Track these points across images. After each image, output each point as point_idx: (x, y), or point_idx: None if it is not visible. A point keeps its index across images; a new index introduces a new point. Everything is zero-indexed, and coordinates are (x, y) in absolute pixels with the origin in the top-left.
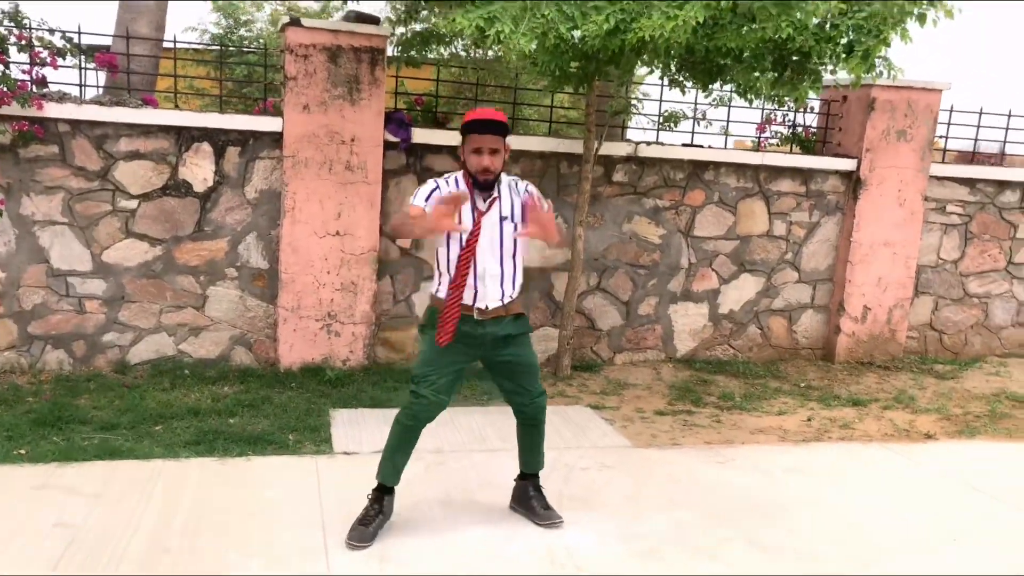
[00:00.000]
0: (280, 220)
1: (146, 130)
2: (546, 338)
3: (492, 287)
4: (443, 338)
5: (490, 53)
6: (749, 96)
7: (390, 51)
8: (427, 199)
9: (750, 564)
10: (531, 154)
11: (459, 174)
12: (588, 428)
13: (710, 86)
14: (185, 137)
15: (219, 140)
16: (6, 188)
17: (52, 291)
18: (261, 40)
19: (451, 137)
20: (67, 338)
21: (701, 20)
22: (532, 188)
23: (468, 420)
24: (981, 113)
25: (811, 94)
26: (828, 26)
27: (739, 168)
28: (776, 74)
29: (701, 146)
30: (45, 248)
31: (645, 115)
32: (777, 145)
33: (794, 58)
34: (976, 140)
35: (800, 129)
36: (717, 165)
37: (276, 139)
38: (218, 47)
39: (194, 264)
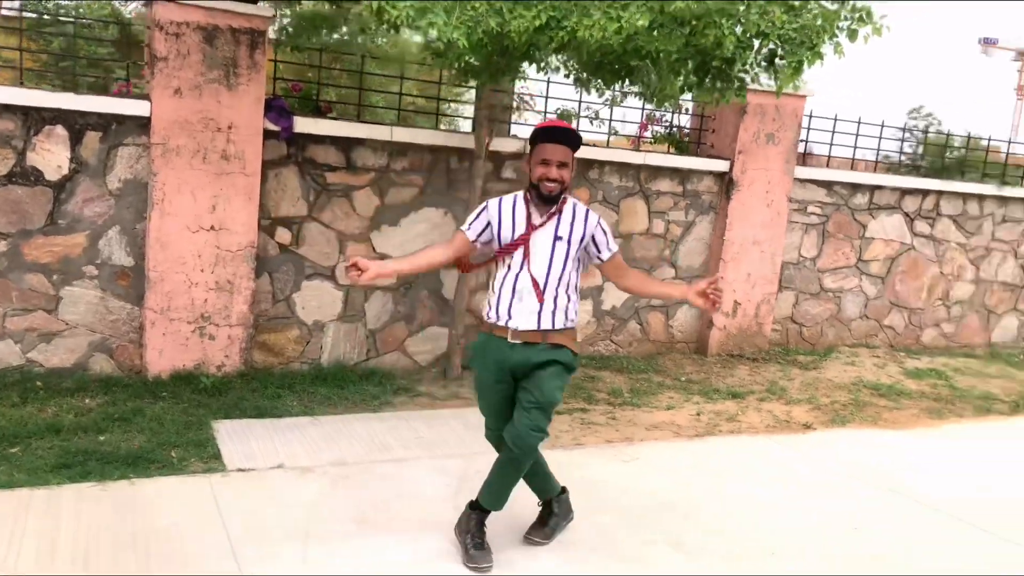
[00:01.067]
0: (147, 213)
1: None
2: (434, 338)
3: (529, 304)
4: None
5: (381, 41)
6: (658, 98)
7: (271, 33)
8: (470, 225)
9: (676, 566)
10: (420, 148)
11: (521, 193)
12: None
13: (615, 86)
14: (35, 119)
15: (76, 123)
16: None
17: None
18: (80, 10)
19: (336, 127)
20: None
21: (646, 24)
22: (604, 224)
23: (366, 428)
24: (836, 120)
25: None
26: (752, 35)
27: (622, 167)
28: (697, 80)
29: (587, 144)
30: None
31: (535, 111)
32: (657, 143)
33: (714, 64)
34: (831, 145)
35: (675, 130)
36: (601, 164)
37: (143, 124)
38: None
39: (45, 261)
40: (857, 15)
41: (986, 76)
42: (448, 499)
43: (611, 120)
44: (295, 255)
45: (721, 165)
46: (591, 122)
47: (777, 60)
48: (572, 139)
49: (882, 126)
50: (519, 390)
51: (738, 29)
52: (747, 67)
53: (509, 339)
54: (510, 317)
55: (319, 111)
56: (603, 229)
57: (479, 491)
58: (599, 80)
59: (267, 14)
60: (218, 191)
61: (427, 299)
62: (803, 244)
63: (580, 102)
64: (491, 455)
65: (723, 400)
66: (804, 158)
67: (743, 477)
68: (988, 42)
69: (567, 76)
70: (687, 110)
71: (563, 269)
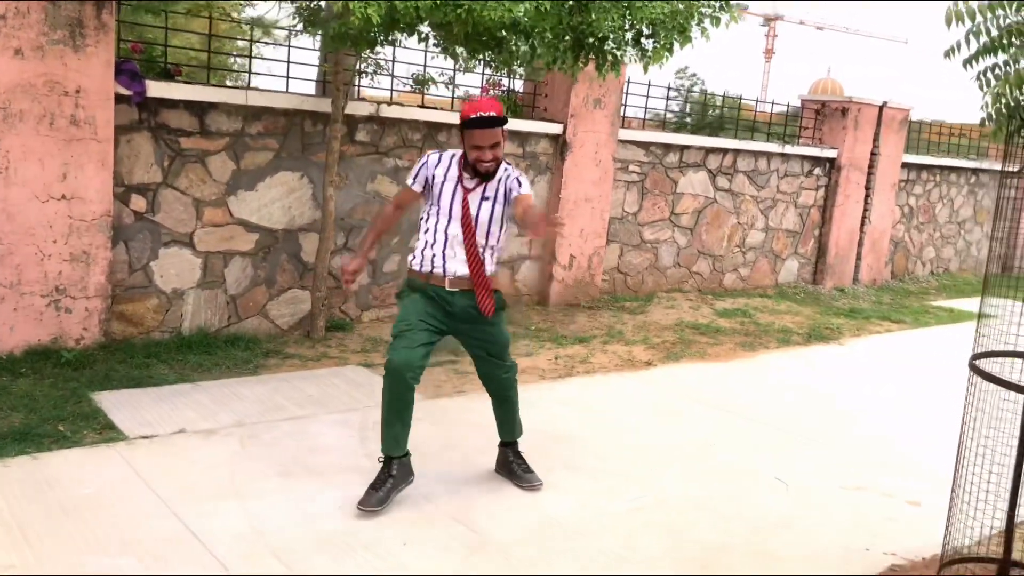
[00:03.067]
0: None
1: None
2: (295, 300)
3: (459, 254)
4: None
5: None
6: (527, 70)
7: None
8: (415, 177)
9: (580, 487)
10: (274, 111)
11: (458, 154)
12: (374, 386)
13: (479, 56)
14: None
15: None
16: None
17: None
18: None
19: (189, 92)
20: None
21: (546, 8)
22: (523, 178)
23: (251, 391)
24: (650, 85)
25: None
26: (629, 18)
27: None
28: (572, 54)
29: (435, 108)
30: None
31: (390, 75)
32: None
33: (589, 41)
34: (646, 109)
35: (512, 94)
36: (449, 127)
37: None
38: None
39: None
40: (719, 3)
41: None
42: (357, 448)
43: (454, 85)
44: (151, 223)
45: (555, 128)
46: (446, 87)
47: (643, 40)
48: (499, 123)
49: (648, 85)
50: (471, 340)
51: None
52: (618, 45)
53: (448, 287)
54: (445, 264)
55: (169, 75)
56: (519, 180)
57: (498, 431)
58: (464, 50)
59: None
60: (68, 158)
61: (287, 262)
62: (626, 200)
63: (425, 66)
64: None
65: (572, 345)
66: (623, 121)
67: (608, 408)
68: (740, 7)
69: (435, 46)
70: (521, 75)
71: (488, 225)
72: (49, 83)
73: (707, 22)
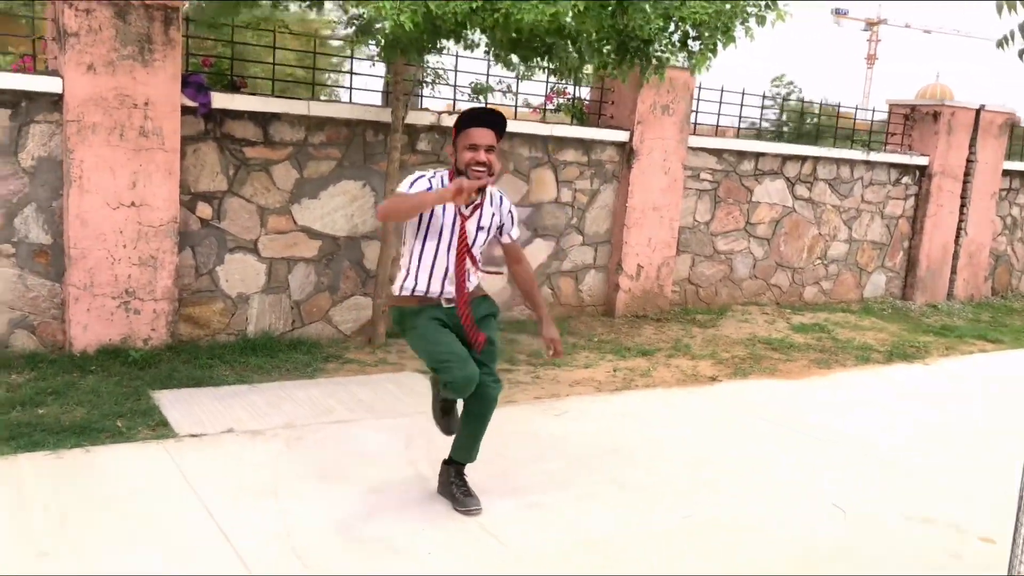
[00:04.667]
0: (64, 191)
1: None
2: (358, 306)
3: (452, 280)
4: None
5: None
6: (575, 75)
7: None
8: (411, 187)
9: (626, 503)
10: (337, 122)
11: (445, 172)
12: (425, 393)
13: (533, 62)
14: None
15: None
16: None
17: None
18: None
19: (253, 103)
20: None
21: (581, 8)
22: (514, 210)
23: (306, 393)
24: (723, 91)
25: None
26: (673, 18)
27: (530, 139)
28: (616, 59)
29: None
30: None
31: (449, 84)
32: (563, 113)
33: (633, 45)
34: (719, 115)
35: (577, 102)
36: (511, 135)
37: (55, 101)
38: None
39: None
40: (764, 2)
41: (839, 45)
42: (400, 454)
43: (517, 93)
44: (217, 229)
45: (622, 135)
46: (503, 95)
47: (690, 42)
48: (499, 123)
49: (743, 94)
50: (471, 349)
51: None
52: (664, 48)
53: (444, 304)
54: (442, 291)
55: (234, 87)
56: (512, 216)
57: (451, 449)
58: (516, 56)
59: None
60: (137, 167)
61: (349, 270)
62: (697, 209)
63: (488, 75)
64: (427, 414)
65: (634, 358)
66: (695, 128)
67: (665, 423)
68: (840, 13)
69: (486, 53)
70: (588, 83)
71: (479, 252)
72: (119, 96)
73: (752, 21)
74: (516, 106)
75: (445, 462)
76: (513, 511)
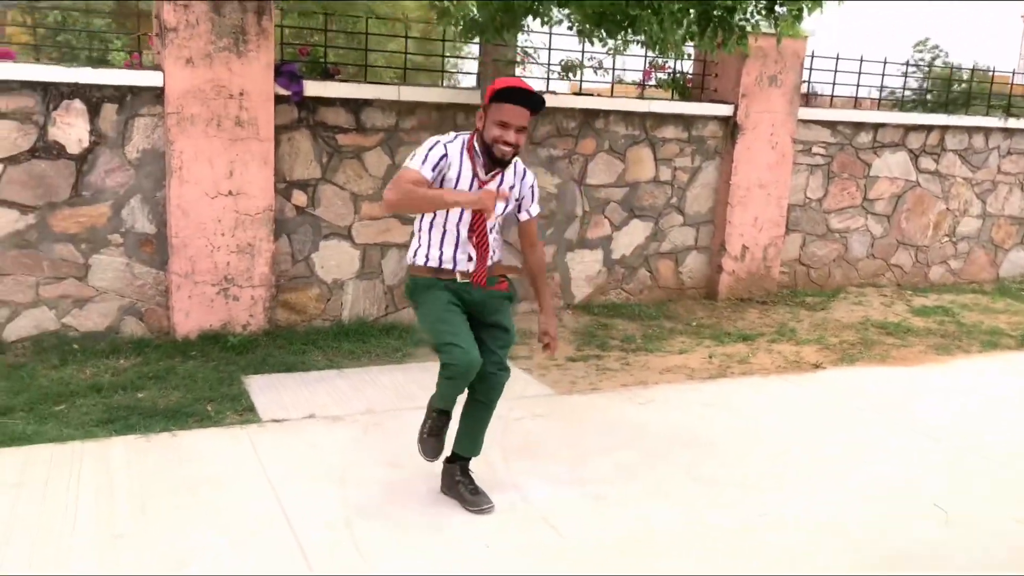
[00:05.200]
0: (166, 181)
1: (6, 87)
2: None
3: (471, 251)
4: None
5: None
6: (661, 47)
7: None
8: (434, 168)
9: (694, 497)
10: (427, 106)
11: (466, 136)
12: (511, 379)
13: (619, 37)
14: (53, 94)
15: (93, 97)
16: None
17: None
18: None
19: (345, 89)
20: None
21: None
22: (536, 185)
23: (391, 379)
24: (838, 59)
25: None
26: None
27: (627, 116)
28: (699, 29)
29: (591, 94)
30: None
31: (539, 63)
32: (662, 89)
33: (716, 14)
34: (834, 84)
35: (679, 76)
36: (607, 113)
37: (157, 95)
38: None
39: (73, 232)
40: None
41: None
42: None
43: (614, 69)
44: (312, 216)
45: (725, 110)
46: (595, 72)
47: (777, 7)
48: (535, 103)
49: (884, 62)
50: (480, 328)
51: None
52: (748, 16)
53: (459, 279)
54: (455, 263)
55: (327, 74)
56: (533, 191)
57: (454, 443)
58: (602, 31)
59: None
60: (234, 157)
61: None
62: (809, 185)
63: (583, 52)
64: (508, 401)
65: (734, 343)
66: (807, 99)
67: (756, 414)
68: None
69: (570, 28)
70: (690, 56)
71: (498, 222)
72: (216, 87)
73: None
74: (612, 82)
75: (448, 460)
76: (576, 502)
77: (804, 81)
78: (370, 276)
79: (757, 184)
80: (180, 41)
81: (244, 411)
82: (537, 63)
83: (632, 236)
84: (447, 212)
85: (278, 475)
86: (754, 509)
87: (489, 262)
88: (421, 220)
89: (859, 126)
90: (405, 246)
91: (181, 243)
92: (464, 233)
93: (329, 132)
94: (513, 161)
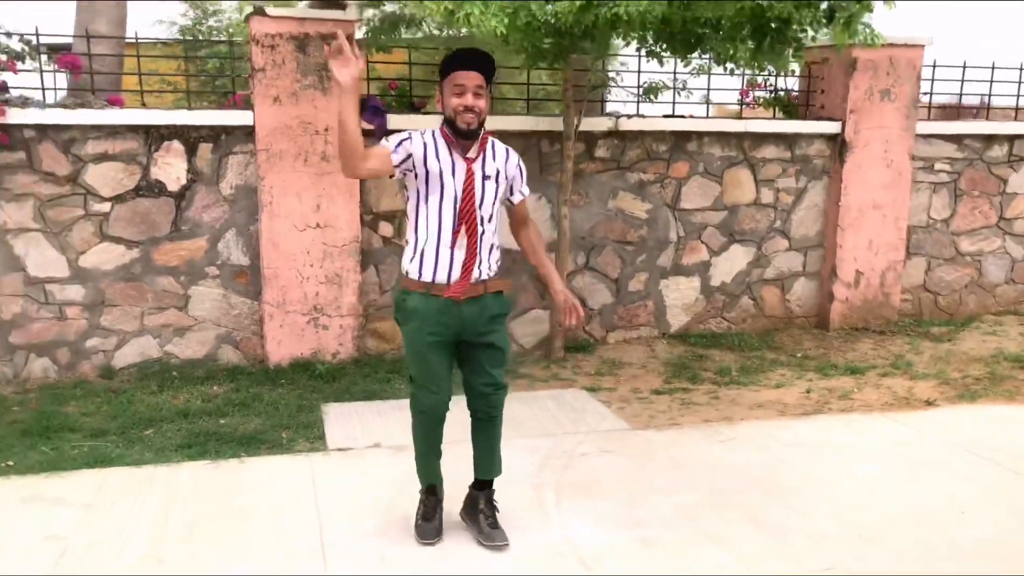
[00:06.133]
0: (258, 215)
1: (113, 131)
2: (537, 321)
3: (467, 255)
4: (453, 291)
5: (463, 31)
6: (728, 65)
7: (359, 35)
8: (397, 145)
9: (755, 547)
10: (510, 134)
11: (436, 128)
12: (585, 411)
13: (689, 56)
14: (154, 136)
15: (190, 137)
16: None
17: (31, 299)
18: (230, 30)
19: (427, 122)
20: (50, 346)
21: None
22: (523, 165)
23: (462, 410)
24: (965, 67)
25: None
26: None
27: (722, 137)
28: (755, 43)
29: (683, 116)
30: (20, 256)
31: (624, 87)
32: (763, 107)
33: (773, 26)
34: (961, 95)
35: (783, 93)
36: (700, 135)
37: (248, 133)
38: (184, 40)
39: (173, 264)
40: None
41: None
42: (530, 476)
43: (709, 89)
44: (398, 247)
45: (831, 127)
46: (678, 93)
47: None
48: (485, 64)
49: (1021, 69)
50: (471, 349)
51: None
52: (804, 27)
53: (448, 295)
54: (450, 272)
55: (413, 107)
56: (521, 171)
57: (475, 469)
58: (670, 51)
59: (352, 18)
60: (321, 191)
61: (528, 284)
62: (932, 205)
63: (675, 74)
64: (578, 435)
65: (839, 376)
66: (930, 112)
67: (845, 456)
68: None
69: (637, 51)
70: (794, 72)
71: (492, 211)
72: (302, 124)
73: None
74: (708, 103)
75: (472, 486)
76: (621, 545)
77: (925, 93)
78: None
79: (871, 205)
80: (268, 80)
81: (315, 439)
82: (621, 86)
83: (733, 262)
84: (439, 205)
85: (327, 505)
86: (820, 563)
87: (484, 275)
88: (414, 221)
89: (991, 139)
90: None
91: (272, 274)
92: (454, 228)
93: None
94: (490, 140)
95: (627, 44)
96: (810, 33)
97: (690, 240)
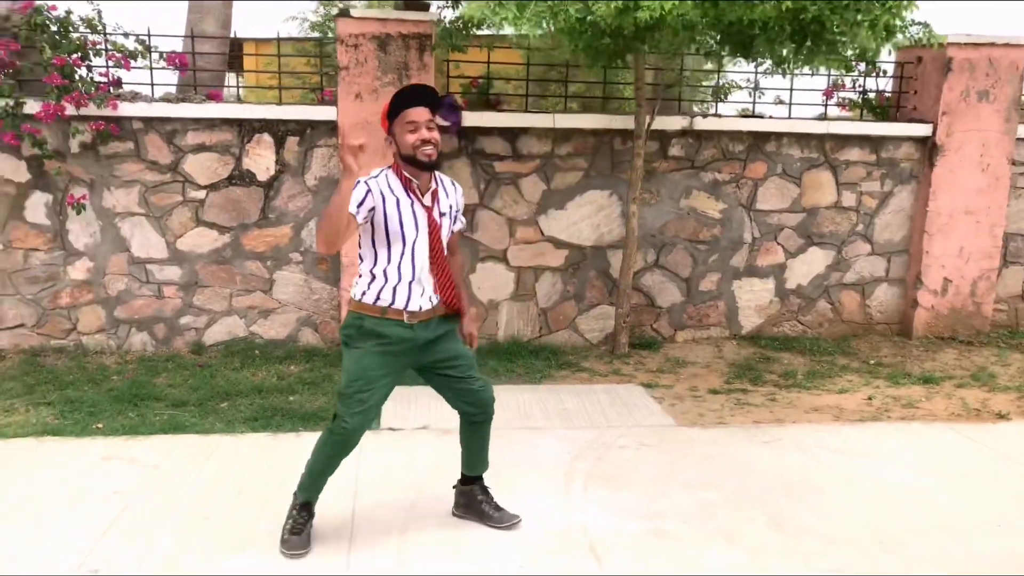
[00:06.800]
0: None
1: (210, 123)
2: (603, 316)
3: (426, 286)
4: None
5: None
6: (782, 66)
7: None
8: (359, 205)
9: (767, 545)
10: (583, 132)
11: (388, 170)
12: (635, 407)
13: (743, 57)
14: (247, 129)
15: (279, 130)
16: (89, 183)
17: (134, 278)
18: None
19: (502, 119)
20: (149, 321)
21: None
22: (461, 196)
23: (516, 398)
24: None
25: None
26: None
27: (803, 138)
28: (795, 45)
29: (761, 116)
30: (126, 238)
31: (699, 87)
32: (850, 109)
33: (812, 27)
34: None
35: (872, 94)
36: (779, 136)
37: (332, 127)
38: (279, 39)
39: (260, 250)
40: None
41: None
42: (563, 465)
43: (792, 90)
44: (470, 240)
45: (921, 129)
46: (749, 94)
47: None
48: (432, 99)
49: None
50: (437, 366)
51: None
52: (839, 29)
53: (407, 320)
54: (409, 301)
55: (489, 105)
56: (460, 202)
57: (463, 466)
58: (730, 52)
59: (432, 19)
60: None
61: (595, 279)
62: None
63: (756, 74)
64: (622, 428)
65: (911, 385)
66: None
67: (890, 464)
68: None
69: (696, 51)
70: (885, 72)
71: (445, 243)
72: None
73: None
74: (790, 103)
75: (461, 482)
76: (635, 536)
77: None
78: (524, 298)
79: (963, 210)
80: (350, 78)
81: None
82: (696, 86)
83: (811, 265)
84: (401, 249)
85: (366, 479)
86: (829, 566)
87: (436, 301)
88: (372, 261)
89: None
90: (558, 270)
91: (350, 262)
92: (423, 267)
93: (487, 160)
94: (439, 176)
95: (685, 45)
96: (847, 36)
97: (765, 241)
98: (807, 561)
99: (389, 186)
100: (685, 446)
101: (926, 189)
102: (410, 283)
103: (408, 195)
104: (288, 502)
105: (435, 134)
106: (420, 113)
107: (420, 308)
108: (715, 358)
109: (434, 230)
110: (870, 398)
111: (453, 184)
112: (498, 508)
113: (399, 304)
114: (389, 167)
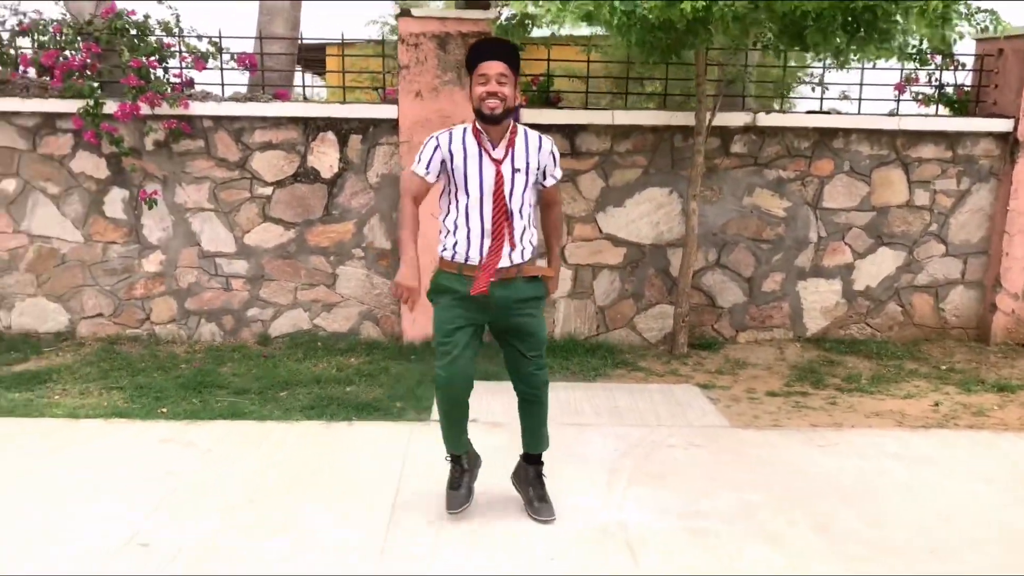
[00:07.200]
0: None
1: (277, 122)
2: (662, 315)
3: (499, 241)
4: (479, 287)
5: (598, 31)
6: (839, 58)
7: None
8: (428, 165)
9: (809, 548)
10: (643, 129)
11: (468, 125)
12: (689, 407)
13: (797, 49)
14: (312, 127)
15: (342, 129)
16: (162, 180)
17: (204, 271)
18: None
19: (560, 116)
20: (217, 313)
21: None
22: (555, 149)
23: (568, 395)
24: None
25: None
26: None
27: (872, 135)
28: (848, 35)
29: (827, 112)
30: (196, 232)
31: (762, 82)
32: (926, 104)
33: (864, 16)
34: None
35: (950, 88)
36: (847, 132)
37: (394, 125)
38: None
39: (324, 245)
40: None
41: None
42: (609, 461)
43: (862, 85)
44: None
45: (1001, 125)
46: (812, 89)
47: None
48: (508, 53)
49: None
50: (506, 333)
51: None
52: (892, 19)
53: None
54: (482, 257)
55: (548, 102)
56: (554, 157)
57: (523, 443)
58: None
59: (491, 17)
60: None
61: (654, 277)
62: None
63: (824, 69)
64: (673, 428)
65: (983, 393)
66: None
67: (952, 472)
68: None
69: (753, 45)
70: (964, 65)
71: (522, 201)
72: (441, 117)
73: None
74: (860, 99)
75: (523, 458)
76: (673, 534)
77: None
78: (582, 296)
79: None
80: (411, 77)
81: (422, 410)
82: (760, 81)
83: (880, 266)
84: (468, 200)
85: (411, 469)
86: (875, 572)
87: (516, 260)
88: (447, 210)
89: None
90: (616, 268)
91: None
92: (491, 220)
93: None
94: (521, 130)
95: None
96: (900, 25)
97: (832, 241)
98: (850, 566)
99: (463, 139)
100: (736, 447)
101: (1007, 187)
102: (481, 236)
103: (479, 148)
104: (336, 486)
105: (504, 88)
106: (492, 66)
107: (492, 262)
108: (776, 360)
109: (499, 184)
110: (937, 404)
111: (540, 139)
112: (542, 499)
113: (473, 259)
114: (471, 122)
